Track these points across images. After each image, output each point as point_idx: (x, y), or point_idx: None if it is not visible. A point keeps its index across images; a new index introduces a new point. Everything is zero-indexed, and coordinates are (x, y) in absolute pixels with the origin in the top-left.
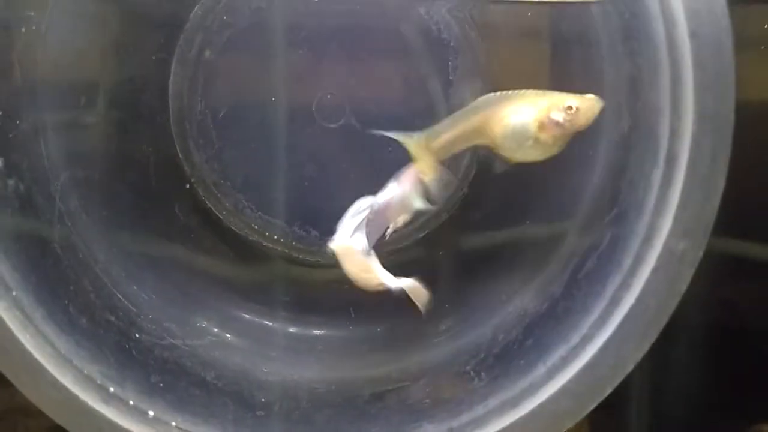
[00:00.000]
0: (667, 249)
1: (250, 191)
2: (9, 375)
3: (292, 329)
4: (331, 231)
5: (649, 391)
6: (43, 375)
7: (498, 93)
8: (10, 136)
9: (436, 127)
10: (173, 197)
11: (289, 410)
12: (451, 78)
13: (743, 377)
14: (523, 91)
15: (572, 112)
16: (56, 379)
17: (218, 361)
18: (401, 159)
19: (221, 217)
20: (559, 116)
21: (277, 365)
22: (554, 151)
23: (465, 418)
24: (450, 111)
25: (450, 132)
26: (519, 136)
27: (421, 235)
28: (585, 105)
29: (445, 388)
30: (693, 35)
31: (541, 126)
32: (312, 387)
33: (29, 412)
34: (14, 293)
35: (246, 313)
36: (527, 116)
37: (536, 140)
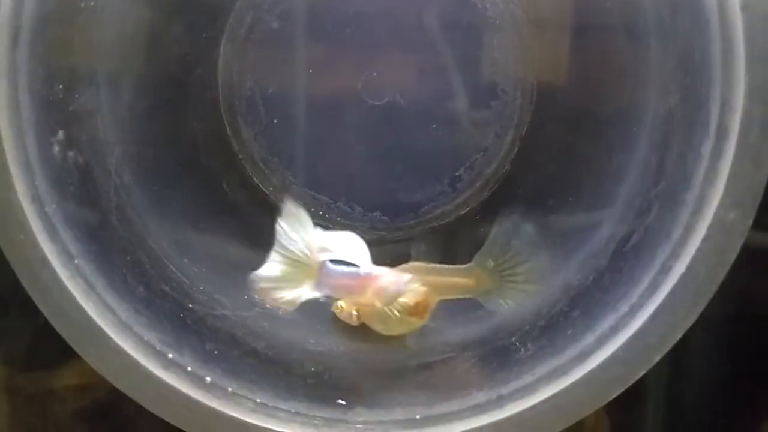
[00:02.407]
0: (717, 219)
1: (296, 167)
2: (72, 342)
3: None
4: (374, 207)
5: (666, 382)
6: (105, 342)
7: None
8: (70, 109)
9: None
10: (221, 173)
11: (339, 378)
12: (495, 56)
13: (762, 368)
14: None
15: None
16: (118, 345)
17: (267, 332)
18: (444, 137)
19: (268, 193)
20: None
21: (323, 337)
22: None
23: (514, 385)
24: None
25: None
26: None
27: (463, 211)
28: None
29: (491, 359)
30: (744, 8)
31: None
32: (358, 357)
33: (56, 396)
34: (76, 262)
35: None
36: None
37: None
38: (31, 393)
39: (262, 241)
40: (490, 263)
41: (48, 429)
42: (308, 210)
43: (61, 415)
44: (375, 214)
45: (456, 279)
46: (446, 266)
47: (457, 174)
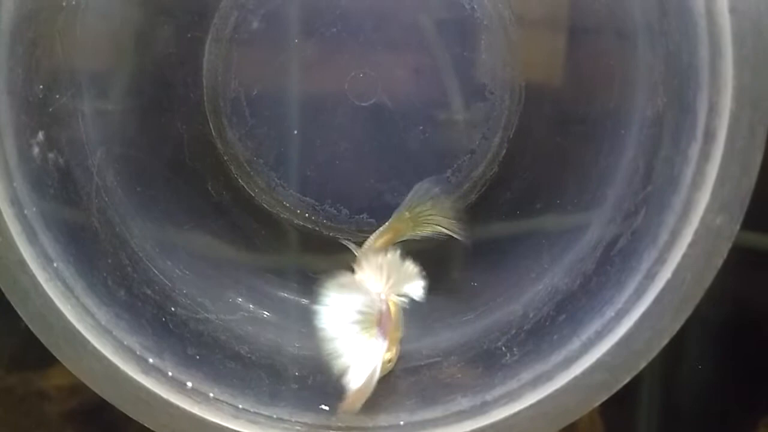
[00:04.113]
0: (704, 224)
1: (282, 169)
2: (50, 346)
3: None
4: (361, 209)
5: (660, 385)
6: (84, 346)
7: None
8: (51, 110)
9: None
10: (206, 175)
11: (323, 383)
12: (483, 57)
13: (756, 371)
14: None
15: None
16: (97, 349)
17: (251, 335)
18: (431, 138)
19: (253, 194)
20: None
21: (308, 341)
22: None
23: (498, 391)
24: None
25: None
26: None
27: None
28: None
29: (476, 363)
30: (733, 10)
31: None
32: None
33: (46, 397)
34: (55, 265)
35: (277, 290)
36: None
37: None
38: (20, 393)
39: (248, 243)
40: (406, 214)
41: (38, 429)
42: (294, 212)
43: (51, 415)
44: (362, 216)
45: (393, 229)
46: (382, 227)
47: (444, 176)
